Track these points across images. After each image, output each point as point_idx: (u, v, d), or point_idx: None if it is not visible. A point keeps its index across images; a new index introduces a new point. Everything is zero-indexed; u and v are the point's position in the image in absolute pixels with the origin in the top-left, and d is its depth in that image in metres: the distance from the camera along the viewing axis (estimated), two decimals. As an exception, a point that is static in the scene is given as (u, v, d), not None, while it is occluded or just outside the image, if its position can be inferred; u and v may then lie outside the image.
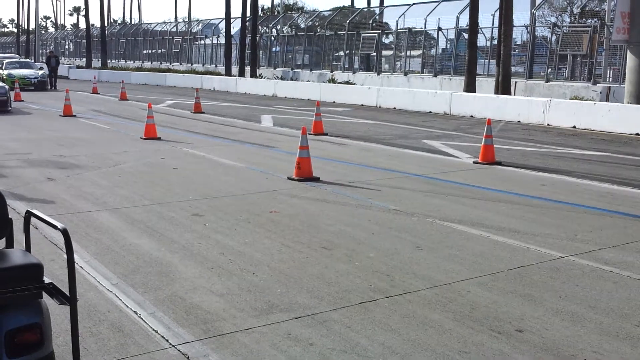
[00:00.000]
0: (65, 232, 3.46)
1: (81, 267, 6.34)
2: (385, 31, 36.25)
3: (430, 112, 24.62)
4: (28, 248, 3.91)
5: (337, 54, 40.35)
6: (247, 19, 42.04)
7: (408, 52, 35.61)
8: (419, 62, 34.94)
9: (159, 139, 15.69)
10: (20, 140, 15.27)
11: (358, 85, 31.63)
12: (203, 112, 23.03)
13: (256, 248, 7.09)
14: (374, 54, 36.56)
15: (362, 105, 27.71)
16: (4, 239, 4.04)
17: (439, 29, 32.94)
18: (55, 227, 3.53)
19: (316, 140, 16.30)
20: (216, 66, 47.43)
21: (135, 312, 5.28)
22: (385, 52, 37.37)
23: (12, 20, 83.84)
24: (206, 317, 5.20)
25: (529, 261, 6.78)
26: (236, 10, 40.82)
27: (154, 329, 4.96)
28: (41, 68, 37.46)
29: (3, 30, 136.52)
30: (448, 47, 34.03)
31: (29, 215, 3.82)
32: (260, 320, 5.16)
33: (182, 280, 6.05)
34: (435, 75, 31.13)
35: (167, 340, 4.78)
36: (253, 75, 39.66)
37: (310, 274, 6.29)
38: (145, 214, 8.46)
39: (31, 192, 9.67)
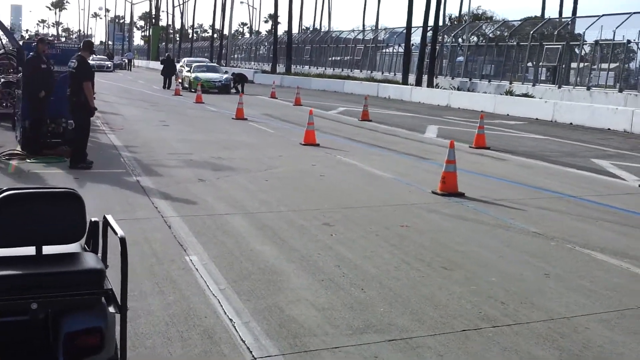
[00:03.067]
0: (122, 241, 3.51)
1: (196, 269, 6.48)
2: (570, 43, 34.59)
3: (609, 129, 23.19)
4: (103, 252, 3.99)
5: (522, 65, 39.09)
6: (429, 27, 41.76)
7: (594, 65, 33.81)
8: (604, 75, 33.05)
9: (318, 145, 15.87)
10: (187, 141, 16.02)
11: (536, 98, 30.40)
12: (370, 120, 23.07)
13: (374, 262, 6.93)
14: (558, 65, 34.99)
15: (536, 119, 26.63)
16: (89, 242, 4.14)
17: (628, 41, 30.99)
18: (115, 233, 3.57)
19: (475, 154, 15.83)
20: (395, 74, 47.47)
21: (231, 319, 5.30)
22: (572, 64, 35.66)
23: (213, 27, 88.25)
24: (298, 331, 5.12)
25: (667, 300, 6.14)
26: (421, 20, 40.86)
27: (242, 339, 4.95)
28: (226, 72, 39.23)
29: (203, 35, 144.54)
30: (638, 60, 31.94)
31: (105, 221, 3.90)
32: (352, 340, 5.02)
33: (288, 290, 6.03)
34: (621, 91, 29.27)
35: (251, 352, 4.76)
36: (430, 84, 39.31)
37: (421, 294, 6.06)
38: (277, 220, 8.54)
39: (179, 191, 10.07)
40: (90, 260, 3.74)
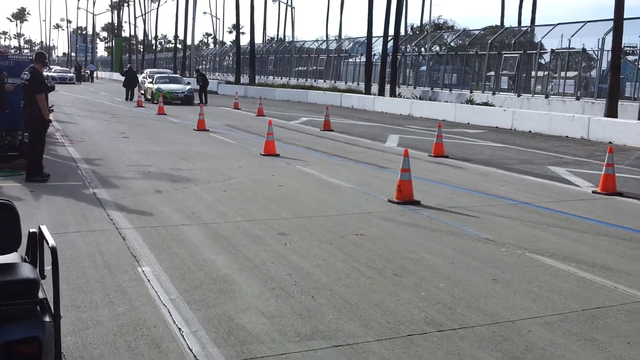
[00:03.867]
0: (53, 251, 3.55)
1: (148, 279, 6.51)
2: (528, 51, 35.11)
3: (566, 137, 23.59)
4: (40, 262, 4.02)
5: (483, 74, 39.54)
6: (390, 37, 42.07)
7: (555, 73, 34.35)
8: (562, 83, 33.60)
9: (278, 155, 15.94)
10: (147, 152, 15.99)
11: (496, 107, 30.81)
12: (332, 130, 23.20)
13: (326, 271, 7.01)
14: (517, 73, 35.46)
15: (496, 127, 26.99)
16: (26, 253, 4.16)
17: (583, 50, 31.57)
18: (47, 243, 3.62)
19: (434, 162, 16.02)
20: (358, 84, 47.71)
21: (179, 328, 5.34)
22: (532, 73, 36.14)
23: (176, 37, 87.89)
24: (246, 339, 5.18)
25: (610, 302, 6.31)
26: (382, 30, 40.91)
27: (189, 348, 5.00)
28: (189, 83, 39.19)
29: (167, 46, 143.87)
30: (592, 69, 32.53)
31: (40, 231, 3.93)
32: (298, 346, 5.08)
33: (239, 299, 6.08)
34: (578, 99, 29.81)
35: (197, 360, 4.81)
36: (392, 94, 39.60)
37: (370, 301, 6.15)
38: (232, 231, 8.59)
39: (135, 203, 10.07)
40: (25, 271, 3.75)
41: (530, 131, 25.48)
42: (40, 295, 3.72)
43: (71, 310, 5.63)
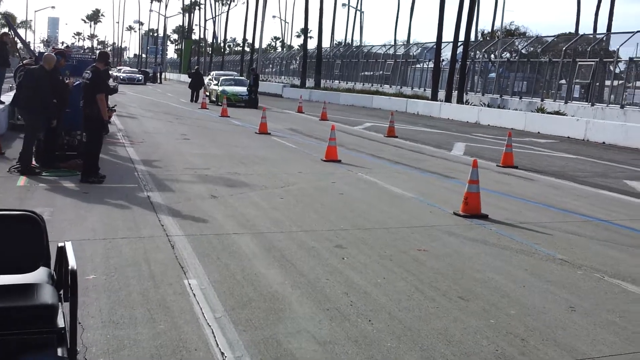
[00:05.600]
0: (73, 275, 3.10)
1: (194, 294, 6.07)
2: (604, 59, 33.80)
3: (644, 149, 22.47)
4: (64, 282, 3.58)
5: (554, 82, 38.30)
6: (460, 43, 41.17)
7: (629, 82, 33.00)
8: (638, 93, 32.20)
9: (339, 161, 15.44)
10: (205, 155, 15.68)
11: (568, 116, 29.70)
12: (396, 137, 22.59)
13: (385, 290, 6.47)
14: (591, 82, 34.17)
15: (568, 137, 25.95)
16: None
17: (665, 59, 30.21)
18: (67, 264, 3.17)
19: (502, 173, 15.28)
20: (425, 90, 46.91)
21: (222, 353, 4.88)
22: (607, 82, 34.84)
23: (244, 40, 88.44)
24: (293, 368, 4.68)
25: None
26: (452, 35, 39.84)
27: (231, 376, 4.52)
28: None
29: (236, 49, 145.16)
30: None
31: (61, 249, 3.49)
32: (351, 380, 4.56)
33: (289, 320, 5.58)
34: (657, 109, 28.49)
35: (239, 392, 4.32)
36: (459, 100, 38.71)
37: (433, 328, 5.58)
38: (287, 242, 8.11)
39: (188, 208, 9.69)
40: (44, 294, 3.32)
41: (604, 142, 24.39)
42: (60, 322, 3.28)
43: (108, 327, 5.23)
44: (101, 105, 11.15)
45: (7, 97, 19.84)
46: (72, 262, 3.26)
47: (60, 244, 3.75)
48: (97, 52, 12.41)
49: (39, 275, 3.52)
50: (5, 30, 22.09)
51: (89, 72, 11.30)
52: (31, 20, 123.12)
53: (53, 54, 12.50)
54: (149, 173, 12.62)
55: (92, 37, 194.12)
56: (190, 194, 10.81)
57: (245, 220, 9.14)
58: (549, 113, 30.74)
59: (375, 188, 12.42)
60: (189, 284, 6.34)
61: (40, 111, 11.65)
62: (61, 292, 3.52)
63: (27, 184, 10.98)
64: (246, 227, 8.80)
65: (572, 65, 35.36)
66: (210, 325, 5.37)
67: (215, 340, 5.09)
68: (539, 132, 27.64)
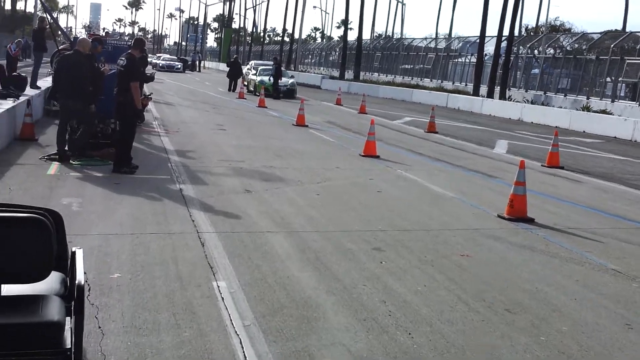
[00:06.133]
0: (79, 290, 2.72)
1: (222, 298, 5.70)
2: (654, 57, 32.76)
3: (695, 151, 21.62)
4: (73, 293, 3.20)
5: (600, 80, 37.32)
6: (504, 37, 40.31)
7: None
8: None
9: (378, 157, 14.98)
10: (241, 147, 15.33)
11: (615, 115, 28.82)
12: (436, 132, 22.04)
13: (426, 299, 6.04)
14: (638, 81, 33.12)
15: (614, 137, 25.14)
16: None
17: None
18: (74, 276, 2.80)
19: (548, 174, 14.69)
20: (466, 85, 46.10)
21: (250, 367, 4.50)
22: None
23: (284, 30, 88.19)
24: (326, 388, 4.28)
25: None
26: (496, 29, 39.00)
27: (258, 395, 4.14)
28: (292, 76, 38.61)
29: (275, 38, 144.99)
30: None
31: (73, 255, 3.12)
32: (390, 403, 4.15)
33: (324, 331, 5.19)
34: None
35: (266, 413, 3.94)
36: (502, 96, 37.89)
37: (479, 343, 5.14)
38: (323, 242, 7.71)
39: (221, 203, 9.34)
40: (51, 309, 2.95)
41: (653, 143, 23.57)
42: (67, 341, 2.90)
43: (130, 333, 4.88)
44: (135, 94, 10.85)
45: (44, 83, 19.74)
46: (79, 275, 2.89)
47: (73, 249, 3.38)
48: (135, 38, 12.09)
49: (48, 284, 3.16)
50: (44, 15, 21.91)
51: (123, 59, 11.01)
52: (73, 6, 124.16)
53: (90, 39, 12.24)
54: (183, 164, 12.31)
55: (133, 23, 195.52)
56: (224, 188, 10.47)
57: (280, 218, 8.76)
58: (594, 112, 29.88)
59: (414, 186, 11.96)
60: (218, 287, 5.97)
61: (75, 96, 11.39)
62: (72, 303, 3.15)
63: (57, 172, 10.74)
64: (280, 225, 8.41)
65: (619, 63, 34.34)
66: (238, 334, 5.00)
67: (244, 352, 4.72)
68: (584, 132, 26.85)
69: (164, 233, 7.59)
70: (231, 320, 5.26)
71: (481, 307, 5.95)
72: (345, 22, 61.81)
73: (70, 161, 11.50)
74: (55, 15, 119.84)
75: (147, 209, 8.70)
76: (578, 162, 17.07)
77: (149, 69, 23.78)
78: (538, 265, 7.47)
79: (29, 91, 17.42)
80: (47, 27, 20.08)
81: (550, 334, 5.45)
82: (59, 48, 15.29)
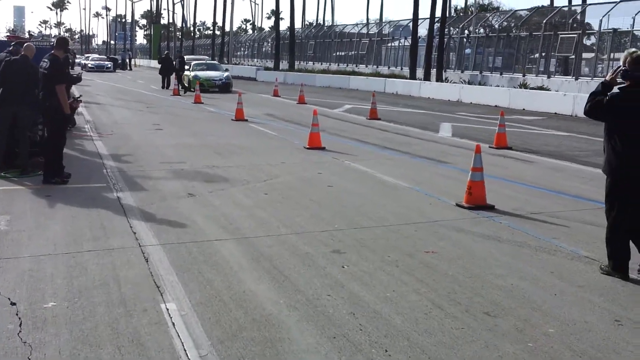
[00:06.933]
0: None
1: (173, 323, 5.07)
2: (587, 32, 33.01)
3: (635, 123, 21.66)
4: None
5: (531, 57, 37.51)
6: (436, 20, 40.18)
7: (612, 54, 32.21)
8: (612, 65, 31.43)
9: (324, 148, 14.45)
10: (180, 146, 14.61)
11: (552, 91, 28.90)
12: (379, 119, 21.63)
13: (398, 308, 5.51)
14: (573, 56, 33.35)
15: (555, 113, 25.15)
16: None
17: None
18: None
19: (497, 155, 14.38)
20: (402, 69, 45.95)
21: (211, 408, 3.89)
22: (585, 55, 34.11)
23: (214, 24, 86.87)
24: None
25: None
26: (427, 11, 38.95)
27: None
28: (226, 70, 37.79)
29: (206, 32, 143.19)
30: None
31: None
32: None
33: (291, 355, 4.61)
34: None
35: None
36: (439, 79, 37.78)
37: (463, 357, 4.63)
38: (277, 247, 7.13)
39: (164, 210, 8.66)
40: None
41: (593, 118, 23.57)
42: None
43: (68, 376, 4.22)
44: (61, 97, 10.05)
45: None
46: None
47: None
48: (57, 38, 11.25)
49: None
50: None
51: (46, 60, 10.19)
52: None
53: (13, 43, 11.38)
54: (119, 169, 11.56)
55: (59, 24, 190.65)
56: (165, 193, 9.78)
57: (228, 223, 8.13)
58: (532, 89, 29.92)
59: (365, 177, 11.45)
60: (167, 309, 5.34)
61: (24, 103, 10.64)
62: None
63: (-18, 187, 9.88)
64: (229, 230, 7.79)
65: (553, 38, 34.52)
66: (194, 368, 4.39)
67: (202, 390, 4.11)
68: (524, 109, 26.82)
69: (103, 249, 6.90)
70: (185, 350, 4.64)
71: (458, 312, 5.46)
72: (276, 12, 61.07)
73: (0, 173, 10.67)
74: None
75: (83, 223, 7.97)
76: (524, 141, 16.85)
77: (76, 70, 22.75)
78: (508, 257, 7.03)
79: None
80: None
81: (538, 338, 4.98)
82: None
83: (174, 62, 36.00)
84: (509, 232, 8.03)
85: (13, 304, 5.36)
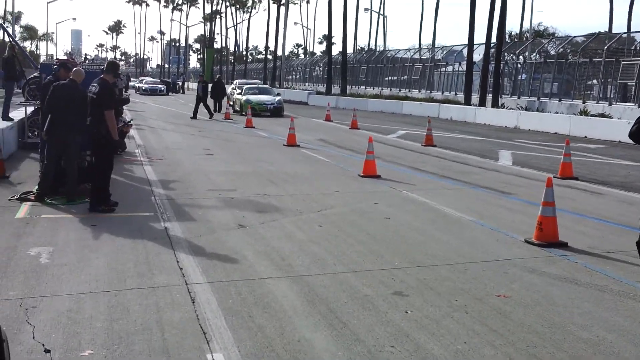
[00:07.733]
0: None
1: (221, 378, 4.53)
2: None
3: None
4: None
5: (589, 83, 36.46)
6: (492, 45, 39.41)
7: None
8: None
9: (379, 177, 13.87)
10: (231, 173, 14.17)
11: (615, 118, 27.87)
12: (434, 145, 20.98)
13: (471, 364, 4.88)
14: (632, 83, 32.23)
15: (619, 142, 24.16)
16: None
17: None
18: None
19: (564, 186, 13.60)
20: (456, 94, 45.16)
21: None
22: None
23: (267, 48, 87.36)
24: None
25: None
26: (481, 37, 38.52)
27: None
28: (278, 94, 37.52)
29: (258, 57, 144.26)
30: None
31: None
32: None
33: (352, 422, 4.02)
34: None
35: None
36: (494, 104, 36.93)
37: None
38: (333, 288, 6.56)
39: (212, 244, 8.17)
40: None
41: (659, 146, 22.55)
42: None
43: None
44: (110, 123, 9.69)
45: (18, 114, 18.51)
46: None
47: None
48: (107, 61, 10.95)
49: None
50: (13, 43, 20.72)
51: (95, 85, 9.86)
52: (53, 33, 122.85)
53: (56, 65, 11.09)
54: (168, 197, 11.15)
55: (114, 48, 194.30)
56: (214, 224, 9.30)
57: (280, 259, 7.60)
58: (593, 116, 28.91)
59: (425, 209, 10.83)
60: (214, 361, 4.81)
61: (84, 131, 10.29)
62: None
63: (27, 214, 9.56)
64: (281, 268, 7.26)
65: (614, 64, 33.43)
66: None
67: None
68: (585, 137, 25.86)
69: (148, 287, 6.42)
70: (233, 413, 4.09)
71: (540, 370, 4.81)
72: (328, 36, 60.91)
73: (46, 199, 10.36)
74: (35, 43, 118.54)
75: (128, 256, 7.52)
76: (590, 171, 16.02)
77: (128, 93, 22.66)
78: (588, 303, 6.35)
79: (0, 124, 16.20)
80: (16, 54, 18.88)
81: (636, 405, 4.32)
82: (33, 76, 14.12)
83: (207, 88, 34.36)
84: (587, 273, 7.34)
85: (47, 351, 4.90)
